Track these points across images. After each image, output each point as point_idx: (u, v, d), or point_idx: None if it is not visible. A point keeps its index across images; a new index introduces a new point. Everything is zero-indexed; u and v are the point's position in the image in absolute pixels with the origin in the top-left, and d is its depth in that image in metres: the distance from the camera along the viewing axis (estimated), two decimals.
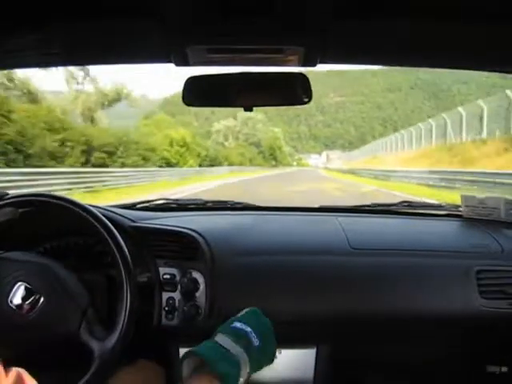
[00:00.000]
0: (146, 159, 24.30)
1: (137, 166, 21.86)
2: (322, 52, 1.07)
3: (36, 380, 0.81)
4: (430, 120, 26.89)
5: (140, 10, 0.89)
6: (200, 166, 34.09)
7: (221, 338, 0.97)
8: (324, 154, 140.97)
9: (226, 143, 73.83)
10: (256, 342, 0.99)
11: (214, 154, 43.12)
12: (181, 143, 31.37)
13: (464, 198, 1.78)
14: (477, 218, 1.71)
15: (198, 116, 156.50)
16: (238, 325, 1.01)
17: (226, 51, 1.06)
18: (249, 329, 1.00)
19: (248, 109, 1.22)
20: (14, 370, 0.74)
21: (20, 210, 1.24)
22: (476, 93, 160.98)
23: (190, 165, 31.42)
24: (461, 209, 1.78)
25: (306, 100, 1.18)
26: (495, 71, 1.25)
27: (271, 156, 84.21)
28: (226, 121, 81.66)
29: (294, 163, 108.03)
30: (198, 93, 1.21)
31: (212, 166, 37.39)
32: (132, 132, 27.47)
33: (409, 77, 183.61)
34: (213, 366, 0.91)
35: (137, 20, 0.92)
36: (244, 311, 1.11)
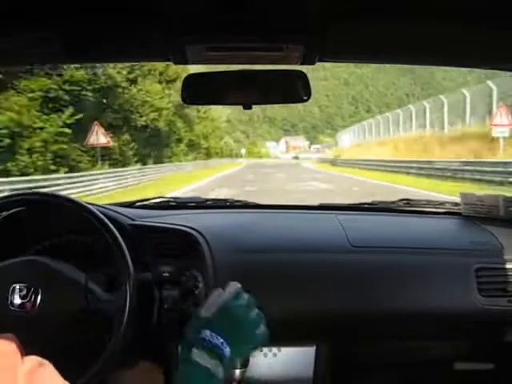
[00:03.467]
0: None
1: None
2: (322, 50, 1.08)
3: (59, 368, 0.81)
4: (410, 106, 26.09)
5: (139, 9, 0.89)
6: None
7: (198, 355, 0.95)
8: (283, 140, 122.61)
9: None
10: (227, 351, 0.98)
11: None
12: None
13: (463, 195, 1.79)
14: (476, 216, 1.72)
15: None
16: (208, 336, 0.98)
17: (225, 49, 1.07)
18: (220, 340, 0.98)
19: (247, 107, 1.22)
20: (33, 358, 0.73)
21: (19, 209, 1.25)
22: (455, 68, 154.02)
23: None
24: (460, 206, 1.79)
25: (305, 98, 1.19)
26: (495, 69, 1.26)
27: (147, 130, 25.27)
28: None
29: (242, 151, 76.76)
30: (197, 91, 1.21)
31: None
32: None
33: None
34: None
35: (136, 19, 0.92)
36: (215, 306, 1.04)
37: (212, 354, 0.96)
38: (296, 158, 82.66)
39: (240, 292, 1.07)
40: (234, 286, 1.09)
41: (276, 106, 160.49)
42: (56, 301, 1.09)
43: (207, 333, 0.98)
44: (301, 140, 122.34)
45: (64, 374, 0.88)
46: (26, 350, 0.74)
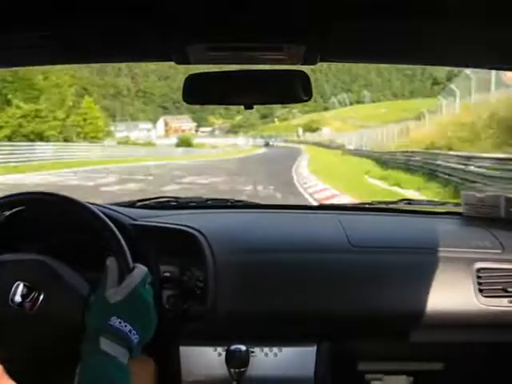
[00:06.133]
0: None
1: None
2: (323, 50, 1.08)
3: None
4: None
5: (140, 9, 0.88)
6: None
7: (105, 344, 0.94)
8: (161, 120, 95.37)
9: None
10: (135, 339, 0.98)
11: None
12: None
13: (464, 195, 1.79)
14: (477, 216, 1.73)
15: None
16: (116, 323, 0.96)
17: (226, 49, 1.07)
18: (128, 327, 0.97)
19: (248, 107, 1.22)
20: None
21: (19, 209, 1.28)
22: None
23: None
24: (461, 207, 1.80)
25: (306, 98, 1.18)
26: (495, 69, 1.29)
27: None
28: None
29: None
30: (198, 91, 1.21)
31: None
32: None
33: None
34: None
35: (137, 18, 0.92)
36: (121, 294, 1.00)
37: (121, 342, 0.95)
38: (185, 143, 47.04)
39: (147, 277, 1.05)
40: (142, 270, 1.06)
41: (155, 78, 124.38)
42: (55, 307, 1.09)
43: (115, 320, 0.96)
44: (185, 121, 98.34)
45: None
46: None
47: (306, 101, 1.20)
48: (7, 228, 1.29)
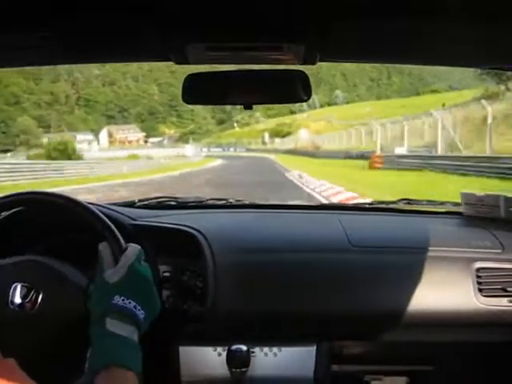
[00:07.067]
0: None
1: None
2: (322, 50, 1.08)
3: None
4: None
5: (139, 9, 0.89)
6: None
7: (112, 325, 0.93)
8: (104, 131, 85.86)
9: None
10: (141, 314, 0.97)
11: None
12: None
13: (464, 195, 1.79)
14: (477, 216, 1.73)
15: None
16: (120, 302, 0.96)
17: (225, 49, 1.07)
18: (132, 303, 0.97)
19: (248, 107, 1.22)
20: (7, 360, 0.77)
21: (19, 209, 1.28)
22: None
23: None
24: (460, 206, 1.80)
25: (306, 98, 1.19)
26: (495, 68, 1.29)
27: None
28: None
29: None
30: (197, 91, 1.21)
31: None
32: None
33: None
34: (122, 364, 0.90)
35: (136, 18, 0.92)
36: (119, 273, 1.00)
37: (127, 319, 0.95)
38: (58, 153, 31.71)
39: (141, 254, 1.06)
40: (135, 248, 1.06)
41: (98, 84, 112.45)
42: (56, 303, 1.09)
43: (118, 298, 0.96)
44: (132, 130, 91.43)
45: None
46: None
47: (305, 101, 1.20)
48: (6, 229, 1.29)
